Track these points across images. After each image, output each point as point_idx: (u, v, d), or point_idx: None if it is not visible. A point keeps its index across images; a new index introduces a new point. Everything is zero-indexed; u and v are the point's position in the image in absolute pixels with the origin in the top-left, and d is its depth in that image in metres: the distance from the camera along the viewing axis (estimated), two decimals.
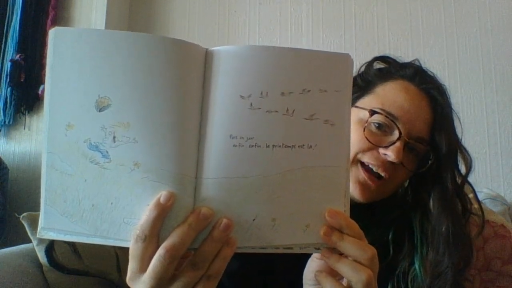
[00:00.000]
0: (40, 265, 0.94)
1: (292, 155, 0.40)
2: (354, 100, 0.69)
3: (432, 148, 0.66)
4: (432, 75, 0.75)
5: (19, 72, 1.58)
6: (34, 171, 1.61)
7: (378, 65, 0.74)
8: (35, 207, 1.15)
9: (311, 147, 0.41)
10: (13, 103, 1.58)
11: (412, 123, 0.64)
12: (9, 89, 1.57)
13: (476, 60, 1.46)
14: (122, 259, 1.03)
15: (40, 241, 0.94)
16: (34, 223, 0.94)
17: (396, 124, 0.63)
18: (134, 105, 0.38)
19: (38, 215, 0.97)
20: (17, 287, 0.89)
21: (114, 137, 0.38)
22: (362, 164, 0.64)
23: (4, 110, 1.59)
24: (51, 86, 0.40)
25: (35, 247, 0.94)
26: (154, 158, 0.38)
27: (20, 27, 1.61)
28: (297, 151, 0.41)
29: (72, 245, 0.96)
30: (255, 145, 0.40)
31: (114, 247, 1.04)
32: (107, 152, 0.39)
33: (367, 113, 0.65)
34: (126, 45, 0.38)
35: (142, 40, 0.39)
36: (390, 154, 0.62)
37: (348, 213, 0.43)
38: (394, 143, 0.62)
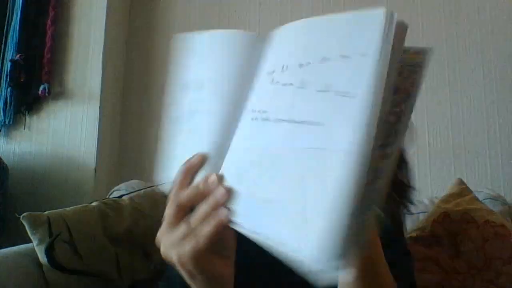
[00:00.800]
0: (40, 265, 0.94)
1: (297, 132, 0.35)
2: None
3: None
4: None
5: (19, 72, 1.58)
6: (34, 171, 1.61)
7: None
8: (35, 207, 1.15)
9: (321, 124, 0.33)
10: (13, 103, 1.58)
11: None
12: (9, 89, 1.57)
13: (476, 60, 1.46)
14: (122, 259, 1.03)
15: (40, 241, 0.93)
16: (34, 223, 0.94)
17: None
18: (216, 86, 0.45)
19: (38, 215, 0.98)
20: (17, 287, 0.89)
21: (192, 110, 0.47)
22: None
23: (4, 110, 1.59)
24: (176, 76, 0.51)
25: (35, 247, 0.94)
26: (207, 125, 0.44)
27: (20, 27, 1.61)
28: (304, 128, 0.34)
29: (72, 245, 0.96)
30: (267, 119, 0.39)
31: (114, 247, 1.04)
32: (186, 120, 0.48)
33: None
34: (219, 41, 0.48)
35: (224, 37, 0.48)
36: None
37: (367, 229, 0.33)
38: None
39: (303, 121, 0.35)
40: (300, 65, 0.37)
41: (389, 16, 0.34)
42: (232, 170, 0.41)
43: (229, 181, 0.40)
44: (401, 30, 0.34)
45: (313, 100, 0.35)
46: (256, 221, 0.36)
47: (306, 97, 0.35)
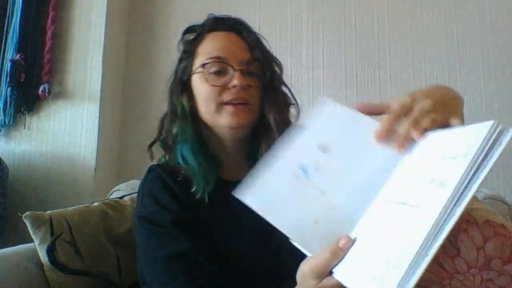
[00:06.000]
0: (40, 265, 0.94)
1: (405, 211, 0.46)
2: (187, 69, 0.82)
3: (261, 64, 0.80)
4: (227, 16, 0.89)
5: (19, 72, 1.58)
6: (34, 171, 1.61)
7: (189, 37, 0.87)
8: (35, 207, 1.15)
9: (417, 206, 0.45)
10: (13, 103, 1.58)
11: (235, 54, 0.79)
12: (9, 89, 1.57)
13: (476, 60, 1.46)
14: (122, 259, 1.03)
15: (42, 240, 0.93)
16: (36, 222, 0.94)
17: (225, 62, 0.77)
18: (344, 157, 0.57)
19: (40, 214, 0.98)
20: (17, 287, 0.89)
21: (318, 169, 0.56)
22: (226, 104, 0.76)
23: (4, 110, 1.59)
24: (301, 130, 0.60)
25: (37, 247, 0.94)
26: (336, 195, 0.54)
27: (20, 27, 1.61)
28: (405, 208, 0.47)
29: (73, 245, 0.96)
30: (404, 203, 0.48)
31: (115, 247, 1.04)
32: (308, 174, 0.56)
33: (202, 69, 0.78)
34: (355, 128, 0.59)
35: (365, 125, 0.57)
36: (235, 82, 0.75)
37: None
38: (233, 76, 0.76)
39: (407, 202, 0.46)
40: (455, 158, 0.45)
41: (493, 127, 0.43)
42: (362, 247, 0.48)
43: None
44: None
45: (421, 187, 0.46)
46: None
47: (419, 185, 0.47)
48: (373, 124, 0.57)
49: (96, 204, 1.14)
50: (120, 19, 1.77)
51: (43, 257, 0.93)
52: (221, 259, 0.71)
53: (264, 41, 0.87)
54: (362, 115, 0.59)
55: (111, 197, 1.33)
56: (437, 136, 0.51)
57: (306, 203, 0.54)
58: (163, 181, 0.77)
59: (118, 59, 1.75)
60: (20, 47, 1.60)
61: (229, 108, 0.76)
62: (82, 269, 0.95)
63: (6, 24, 1.64)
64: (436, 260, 1.03)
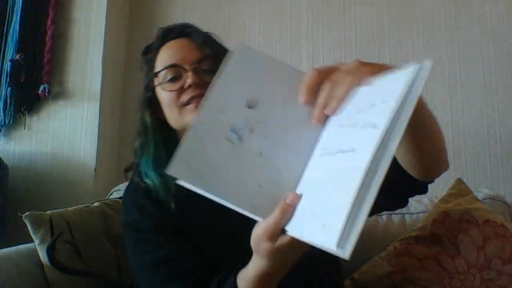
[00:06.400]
0: (40, 265, 0.94)
1: (338, 159, 0.46)
2: (149, 85, 0.86)
3: (214, 60, 0.81)
4: (174, 24, 0.90)
5: (19, 72, 1.58)
6: (34, 171, 1.61)
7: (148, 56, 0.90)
8: (35, 207, 1.15)
9: (353, 150, 0.44)
10: (13, 103, 1.58)
11: (185, 57, 0.81)
12: (9, 89, 1.57)
13: (476, 60, 1.46)
14: (122, 259, 1.03)
15: (42, 240, 0.93)
16: (36, 222, 0.94)
17: (178, 67, 0.80)
18: (271, 112, 0.53)
19: (40, 214, 0.98)
20: (18, 286, 0.89)
21: (252, 129, 0.51)
22: (186, 104, 0.78)
23: (4, 110, 1.59)
24: (219, 87, 0.52)
25: (37, 247, 0.94)
26: (275, 154, 0.51)
27: (20, 27, 1.61)
28: (341, 155, 0.46)
29: (73, 245, 0.96)
30: (327, 153, 0.50)
31: (115, 248, 1.04)
32: (242, 136, 0.51)
33: (158, 80, 0.82)
34: (281, 78, 0.55)
35: (294, 72, 0.55)
36: (189, 81, 0.77)
37: (359, 221, 0.40)
38: (187, 77, 0.79)
39: (343, 150, 0.46)
40: (373, 105, 0.46)
41: (418, 69, 0.44)
42: (309, 198, 0.47)
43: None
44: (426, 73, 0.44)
45: (355, 134, 0.46)
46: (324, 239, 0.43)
47: (352, 132, 0.46)
48: (297, 73, 0.55)
49: (96, 204, 1.14)
50: (120, 19, 1.77)
51: (43, 257, 0.93)
52: (211, 261, 0.71)
53: (216, 38, 0.88)
54: (284, 63, 0.56)
55: (111, 197, 1.33)
56: (368, 87, 0.50)
57: (247, 169, 0.50)
58: (144, 189, 0.78)
59: (118, 59, 1.75)
60: (20, 47, 1.60)
61: (189, 107, 0.78)
62: (82, 269, 0.95)
63: (6, 24, 1.64)
64: (436, 259, 1.03)
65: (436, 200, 1.17)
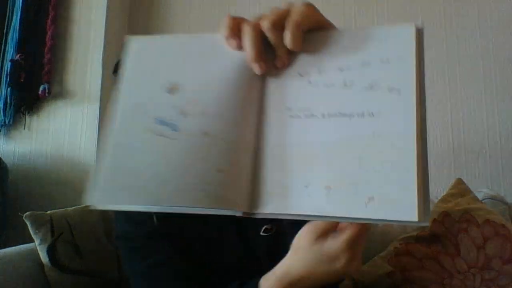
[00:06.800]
0: (41, 265, 0.94)
1: (352, 124, 0.40)
2: None
3: None
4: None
5: (19, 72, 1.58)
6: (34, 171, 1.61)
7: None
8: (35, 207, 1.15)
9: (372, 114, 0.39)
10: (13, 103, 1.58)
11: None
12: (9, 89, 1.57)
13: (476, 60, 1.46)
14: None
15: (42, 240, 0.93)
16: (36, 222, 0.94)
17: None
18: (201, 87, 0.44)
19: (41, 214, 0.98)
20: (18, 287, 0.89)
21: (183, 113, 0.43)
22: None
23: (4, 110, 1.58)
24: (126, 82, 0.47)
25: (37, 246, 0.94)
26: (222, 128, 0.42)
27: (20, 27, 1.61)
28: (357, 120, 0.40)
29: (74, 245, 0.96)
30: (311, 115, 0.42)
31: (115, 247, 1.04)
32: (175, 125, 0.43)
33: None
34: (193, 43, 0.47)
35: (204, 38, 0.47)
36: None
37: (423, 186, 0.37)
38: None
39: (353, 113, 0.40)
40: (340, 69, 0.42)
41: (416, 29, 0.40)
42: (276, 165, 0.41)
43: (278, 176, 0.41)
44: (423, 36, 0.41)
45: (360, 96, 0.40)
46: (314, 208, 0.38)
47: (353, 94, 0.41)
48: (206, 38, 0.47)
49: None
50: (120, 19, 1.77)
51: (43, 257, 0.93)
52: (205, 265, 0.70)
53: None
54: (188, 35, 0.48)
55: None
56: (332, 38, 0.43)
57: (195, 157, 0.41)
58: None
59: (118, 59, 1.75)
60: (20, 47, 1.60)
61: None
62: (82, 269, 0.95)
63: (6, 24, 1.64)
64: (436, 259, 1.03)
65: (436, 200, 1.17)
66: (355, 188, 0.38)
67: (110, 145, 0.43)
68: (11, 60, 1.58)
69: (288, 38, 0.42)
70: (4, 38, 1.63)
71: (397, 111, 0.38)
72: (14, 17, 1.63)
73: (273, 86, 0.44)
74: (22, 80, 1.58)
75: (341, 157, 0.39)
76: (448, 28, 1.50)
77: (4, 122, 1.60)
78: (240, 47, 0.44)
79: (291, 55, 0.44)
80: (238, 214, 0.40)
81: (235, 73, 0.44)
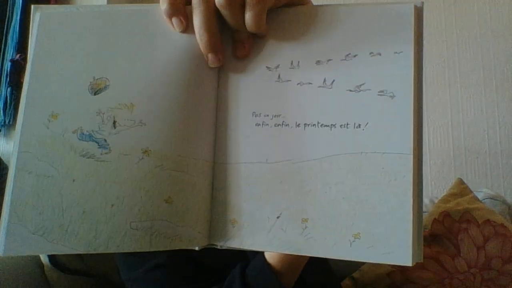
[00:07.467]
0: (41, 265, 0.94)
1: (333, 137, 0.31)
2: None
3: None
4: None
5: (19, 72, 1.58)
6: None
7: None
8: None
9: (359, 126, 0.31)
10: (13, 103, 1.58)
11: None
12: (9, 89, 1.57)
13: (476, 60, 1.46)
14: None
15: None
16: None
17: None
18: (137, 85, 0.32)
19: None
20: (18, 286, 0.89)
21: (114, 122, 0.32)
22: None
23: (4, 110, 1.59)
24: (31, 74, 0.33)
25: None
26: (168, 142, 0.32)
27: (20, 27, 1.61)
28: (339, 131, 0.31)
29: None
30: (282, 124, 0.33)
31: None
32: (105, 140, 0.31)
33: None
34: (123, 21, 0.33)
35: (139, 13, 0.34)
36: None
37: (418, 222, 0.30)
38: None
39: (335, 123, 0.32)
40: (318, 62, 0.33)
41: (417, 11, 0.31)
42: (239, 188, 0.33)
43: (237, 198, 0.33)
44: (422, 16, 0.32)
45: (343, 100, 0.32)
46: (289, 245, 0.32)
47: (334, 97, 0.32)
48: (144, 15, 0.34)
49: None
50: None
51: (43, 257, 0.93)
52: (204, 268, 0.70)
53: None
54: (118, 6, 0.34)
55: None
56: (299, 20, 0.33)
57: (134, 183, 0.31)
58: None
59: None
60: (20, 47, 1.60)
61: None
62: (82, 269, 0.95)
63: (6, 24, 1.64)
64: (436, 259, 1.03)
65: (436, 200, 1.17)
66: (336, 223, 0.31)
67: (13, 170, 0.32)
68: (11, 60, 1.58)
69: (250, 18, 0.31)
70: (4, 38, 1.63)
71: (390, 123, 0.30)
72: (14, 17, 1.63)
73: (233, 83, 0.34)
74: (22, 80, 1.58)
75: (320, 182, 0.31)
76: (448, 27, 1.50)
77: (4, 122, 1.60)
78: (187, 28, 0.32)
79: (255, 41, 0.34)
80: (196, 248, 0.33)
81: (182, 65, 0.33)
